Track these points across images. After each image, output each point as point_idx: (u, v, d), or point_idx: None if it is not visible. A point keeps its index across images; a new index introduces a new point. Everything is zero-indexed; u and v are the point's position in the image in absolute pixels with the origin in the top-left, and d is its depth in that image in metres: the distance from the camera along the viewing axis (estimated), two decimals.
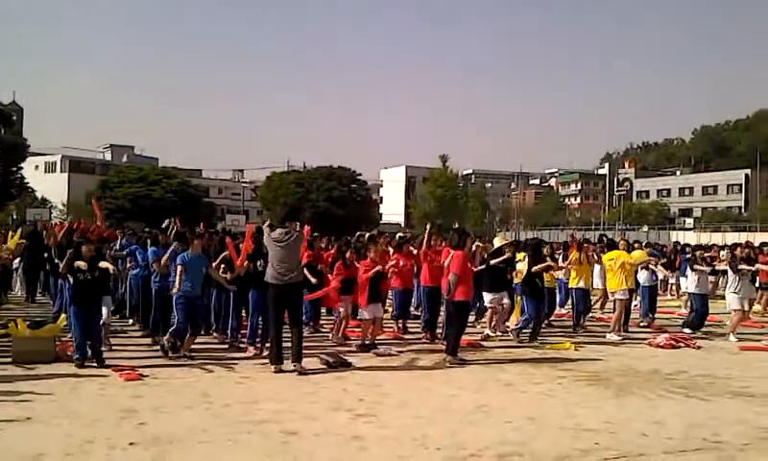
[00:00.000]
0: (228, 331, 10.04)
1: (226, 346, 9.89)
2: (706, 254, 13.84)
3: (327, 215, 51.83)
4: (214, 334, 10.40)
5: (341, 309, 10.35)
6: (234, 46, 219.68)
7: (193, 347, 9.02)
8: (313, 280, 10.69)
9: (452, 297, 9.09)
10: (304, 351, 8.40)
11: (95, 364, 8.24)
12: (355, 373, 8.24)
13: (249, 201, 72.79)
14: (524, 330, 10.99)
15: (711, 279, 13.15)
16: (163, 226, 11.03)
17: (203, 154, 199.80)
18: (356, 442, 5.56)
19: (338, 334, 10.31)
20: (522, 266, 11.61)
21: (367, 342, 9.71)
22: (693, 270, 12.34)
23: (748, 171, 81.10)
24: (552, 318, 12.80)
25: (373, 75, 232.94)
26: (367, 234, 14.32)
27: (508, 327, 11.40)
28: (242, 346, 9.63)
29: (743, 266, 11.84)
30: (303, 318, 11.15)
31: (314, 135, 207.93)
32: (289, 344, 8.26)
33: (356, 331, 10.51)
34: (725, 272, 13.14)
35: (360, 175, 62.53)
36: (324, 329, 11.36)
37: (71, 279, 8.40)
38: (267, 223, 9.08)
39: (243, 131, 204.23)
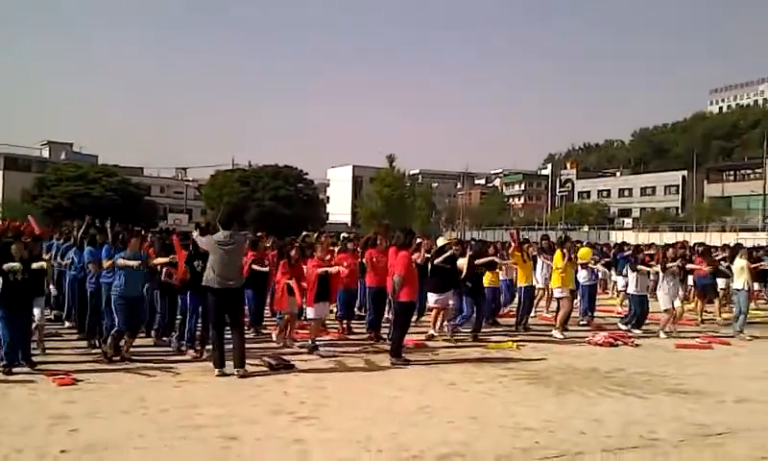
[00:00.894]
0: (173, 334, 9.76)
1: (169, 349, 9.62)
2: (646, 253, 14.20)
3: (273, 214, 51.38)
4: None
5: (287, 311, 10.16)
6: (178, 41, 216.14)
7: (131, 350, 8.78)
8: (264, 268, 10.63)
9: (397, 297, 9.09)
10: (248, 354, 8.24)
11: (26, 369, 7.93)
12: (298, 375, 8.14)
13: (192, 200, 71.49)
14: (461, 329, 11.06)
15: (651, 278, 13.48)
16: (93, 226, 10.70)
17: (144, 151, 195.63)
18: (298, 445, 5.48)
19: (283, 336, 10.16)
20: (462, 262, 11.65)
21: (310, 343, 9.61)
22: (634, 271, 12.64)
23: (685, 172, 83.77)
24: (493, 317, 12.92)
25: (322, 75, 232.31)
26: (315, 234, 14.22)
27: None
28: (182, 349, 9.40)
29: (671, 265, 12.19)
30: (246, 320, 11.07)
31: (260, 134, 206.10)
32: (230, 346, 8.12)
33: (301, 333, 10.41)
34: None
35: (307, 174, 62.18)
36: (266, 331, 11.19)
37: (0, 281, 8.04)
38: (195, 232, 8.92)
39: (187, 129, 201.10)
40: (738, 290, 12.41)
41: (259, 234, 13.00)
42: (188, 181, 76.82)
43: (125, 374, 8.01)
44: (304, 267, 10.06)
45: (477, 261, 11.17)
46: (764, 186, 67.61)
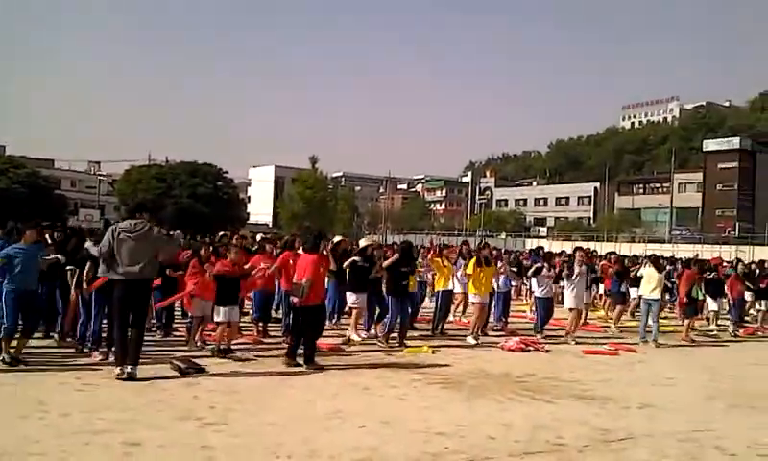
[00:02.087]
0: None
1: (71, 350, 9.19)
2: (557, 260, 14.63)
3: (191, 213, 50.17)
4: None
5: (197, 312, 9.88)
6: (93, 27, 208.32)
7: (30, 351, 8.34)
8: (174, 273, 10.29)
9: (305, 302, 8.93)
10: (156, 356, 7.97)
11: None
12: (209, 378, 7.91)
13: (105, 195, 68.83)
14: (392, 333, 11.07)
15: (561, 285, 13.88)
16: None
17: (55, 143, 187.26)
18: (204, 452, 5.31)
19: (194, 338, 9.87)
20: (385, 265, 11.66)
21: (223, 346, 9.36)
22: (534, 275, 13.02)
23: (597, 184, 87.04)
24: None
25: (247, 72, 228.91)
26: (237, 236, 13.96)
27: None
28: (86, 350, 8.99)
29: (577, 268, 12.61)
30: (155, 321, 10.72)
31: (178, 130, 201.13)
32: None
33: (213, 335, 10.14)
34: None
35: (227, 172, 61.10)
36: (177, 333, 10.85)
37: None
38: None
39: (101, 122, 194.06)
40: (654, 300, 12.86)
41: (172, 233, 12.58)
42: (101, 175, 73.96)
43: (23, 375, 7.60)
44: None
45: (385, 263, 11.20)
46: (671, 200, 71.09)
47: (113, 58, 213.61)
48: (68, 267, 9.21)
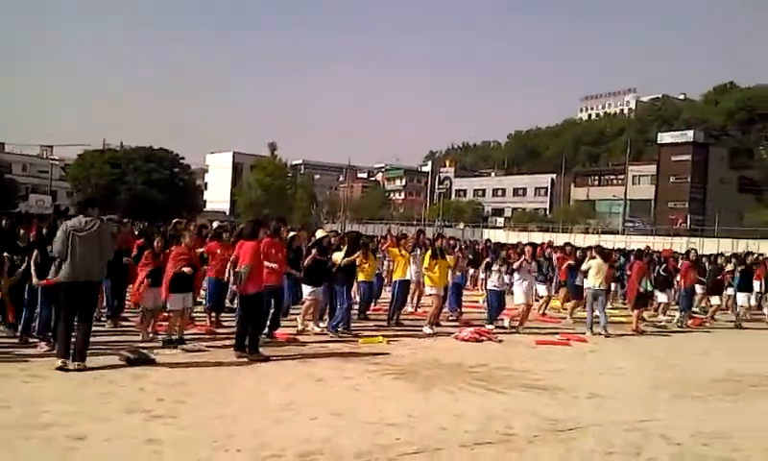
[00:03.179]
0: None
1: (14, 340, 8.93)
2: (510, 251, 14.76)
3: (145, 199, 49.37)
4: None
5: (149, 304, 9.65)
6: (40, 9, 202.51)
7: None
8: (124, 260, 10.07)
9: (244, 290, 8.80)
10: (105, 348, 7.79)
11: None
12: (158, 370, 7.77)
13: (57, 180, 67.16)
14: (343, 323, 11.04)
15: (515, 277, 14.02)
16: None
17: (4, 125, 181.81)
18: (150, 445, 5.22)
19: (145, 329, 9.67)
20: (338, 256, 11.62)
21: (174, 336, 9.20)
22: (488, 268, 13.16)
23: (554, 175, 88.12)
24: (368, 311, 13.01)
25: (205, 57, 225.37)
26: (194, 224, 13.71)
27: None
28: (32, 341, 8.75)
29: (517, 262, 12.80)
30: (105, 310, 10.50)
31: (134, 114, 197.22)
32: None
33: (164, 325, 9.97)
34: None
35: (183, 158, 60.23)
36: (127, 323, 10.62)
37: None
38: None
39: (54, 104, 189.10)
40: (601, 290, 13.10)
41: (125, 220, 12.34)
42: (54, 160, 72.11)
43: None
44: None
45: (346, 260, 11.15)
46: (625, 192, 72.39)
47: (68, 40, 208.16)
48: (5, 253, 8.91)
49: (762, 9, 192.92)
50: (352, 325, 11.38)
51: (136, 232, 14.08)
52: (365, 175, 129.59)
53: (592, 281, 13.09)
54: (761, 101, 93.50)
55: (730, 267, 17.09)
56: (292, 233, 12.12)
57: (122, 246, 10.53)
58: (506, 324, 12.67)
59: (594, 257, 13.61)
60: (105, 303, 10.56)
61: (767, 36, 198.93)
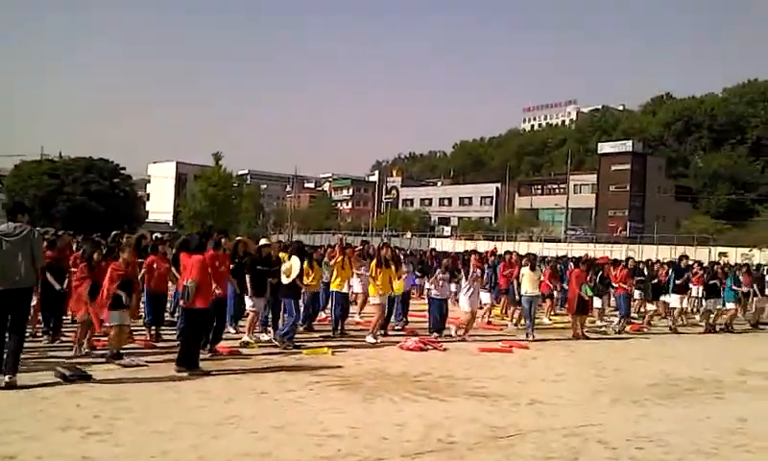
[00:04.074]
0: None
1: None
2: (455, 260, 14.94)
3: (85, 211, 48.07)
4: None
5: (83, 318, 9.38)
6: None
7: None
8: (57, 287, 9.72)
9: (191, 304, 8.63)
10: (39, 363, 7.52)
11: None
12: (95, 386, 7.56)
13: None
14: (288, 334, 10.95)
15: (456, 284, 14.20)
16: None
17: None
18: None
19: (80, 344, 9.39)
20: (286, 267, 11.54)
21: (113, 352, 8.96)
22: (432, 276, 13.31)
23: (498, 185, 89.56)
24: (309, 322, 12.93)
25: (150, 67, 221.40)
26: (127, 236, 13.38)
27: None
28: None
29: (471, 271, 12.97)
30: (41, 326, 10.18)
31: (74, 124, 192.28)
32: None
33: (103, 340, 9.71)
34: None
35: (124, 168, 58.88)
36: (65, 338, 10.30)
37: None
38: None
39: None
40: (534, 296, 13.53)
41: (61, 233, 11.99)
42: None
43: None
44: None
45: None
46: (567, 201, 74.06)
47: (2, 48, 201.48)
48: None
49: (698, 24, 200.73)
50: (298, 336, 11.29)
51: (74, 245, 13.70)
52: (312, 185, 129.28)
53: (526, 288, 13.38)
54: (696, 112, 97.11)
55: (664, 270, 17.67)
56: (238, 238, 12.00)
57: (60, 258, 10.24)
58: (452, 332, 12.78)
59: (526, 265, 13.98)
60: (41, 319, 10.24)
61: (702, 48, 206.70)
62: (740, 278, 17.64)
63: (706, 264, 21.16)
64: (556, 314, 17.31)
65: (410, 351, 11.07)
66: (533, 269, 13.78)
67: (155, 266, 10.69)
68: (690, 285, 17.11)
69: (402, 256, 15.71)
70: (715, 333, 16.41)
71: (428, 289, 16.89)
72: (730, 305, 17.00)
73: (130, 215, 55.00)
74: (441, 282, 12.99)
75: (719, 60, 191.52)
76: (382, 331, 12.46)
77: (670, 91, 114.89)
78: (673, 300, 16.56)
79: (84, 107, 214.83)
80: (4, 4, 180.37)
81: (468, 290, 12.83)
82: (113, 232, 14.51)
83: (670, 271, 17.16)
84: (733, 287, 16.92)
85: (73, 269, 10.11)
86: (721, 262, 29.92)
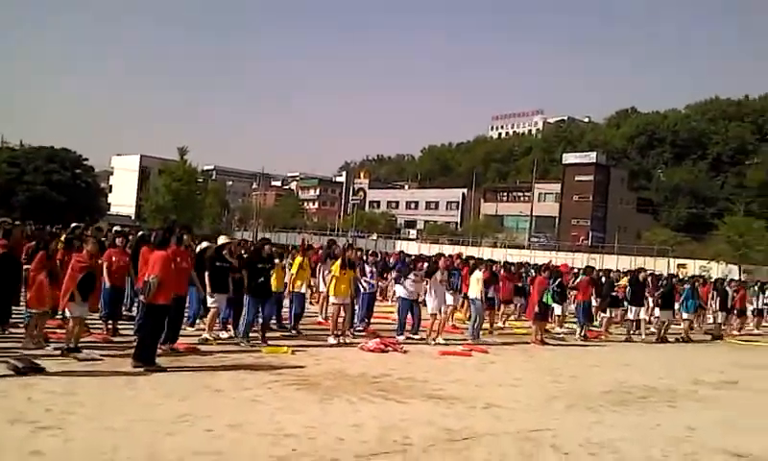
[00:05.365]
0: None
1: None
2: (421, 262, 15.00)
3: (45, 201, 47.16)
4: None
5: (38, 308, 9.18)
6: None
7: None
8: None
9: (153, 300, 8.52)
10: None
11: None
12: (48, 379, 7.43)
13: None
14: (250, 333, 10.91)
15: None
16: None
17: None
18: (34, 457, 5.01)
19: (32, 335, 9.19)
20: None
21: (70, 345, 8.81)
22: (406, 277, 13.33)
23: (465, 190, 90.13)
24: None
25: (115, 56, 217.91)
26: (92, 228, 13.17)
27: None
28: None
29: (438, 274, 13.08)
30: None
31: (37, 111, 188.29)
32: None
33: (58, 333, 9.54)
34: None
35: (87, 160, 57.91)
36: (16, 330, 10.05)
37: None
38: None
39: None
40: (473, 300, 13.74)
41: (16, 223, 11.74)
42: None
43: None
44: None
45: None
46: (531, 209, 74.90)
47: None
48: None
49: (662, 39, 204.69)
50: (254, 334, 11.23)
51: (27, 235, 13.44)
52: (279, 183, 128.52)
53: (474, 292, 13.64)
54: (660, 126, 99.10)
55: (624, 281, 18.00)
56: (205, 245, 11.87)
57: (14, 247, 10.02)
58: (428, 339, 12.82)
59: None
60: None
61: (665, 64, 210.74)
62: (698, 289, 18.07)
63: (665, 275, 21.61)
64: (518, 319, 17.53)
65: (371, 353, 11.09)
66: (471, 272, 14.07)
67: (113, 259, 10.52)
68: (647, 296, 17.43)
69: (365, 258, 15.66)
70: (668, 343, 16.73)
71: (393, 291, 17.01)
72: (686, 316, 17.42)
73: (91, 207, 54.17)
74: (411, 283, 13.06)
75: (683, 77, 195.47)
76: (347, 332, 12.38)
77: (635, 105, 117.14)
78: (632, 312, 16.90)
79: (47, 94, 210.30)
80: None
81: (434, 291, 12.91)
82: (73, 224, 14.28)
83: (627, 285, 17.49)
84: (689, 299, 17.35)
85: (24, 261, 9.92)
86: (680, 274, 30.65)
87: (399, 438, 6.25)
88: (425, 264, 13.97)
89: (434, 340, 12.73)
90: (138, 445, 5.46)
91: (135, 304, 11.06)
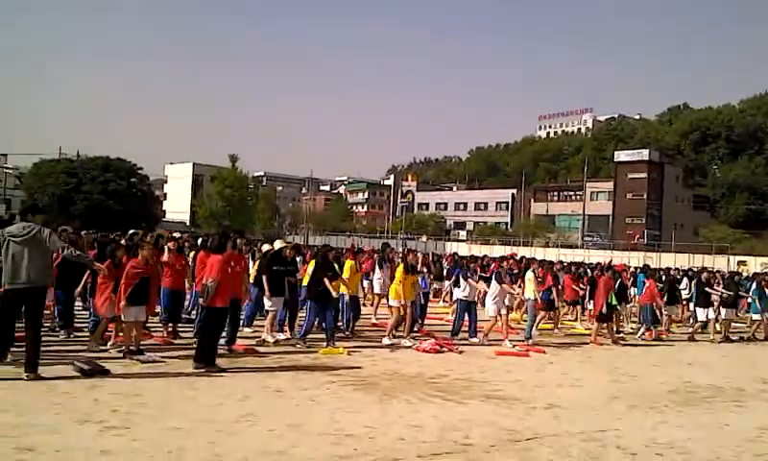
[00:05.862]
0: None
1: None
2: (477, 264, 14.88)
3: (103, 209, 48.50)
4: None
5: (108, 313, 9.42)
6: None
7: None
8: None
9: (211, 303, 8.68)
10: (59, 358, 7.55)
11: None
12: (112, 381, 7.60)
13: (12, 189, 65.54)
14: (308, 335, 10.97)
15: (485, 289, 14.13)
16: None
17: None
18: (103, 457, 5.10)
19: (97, 339, 9.44)
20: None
21: (131, 348, 9.02)
22: (465, 279, 13.20)
23: (514, 191, 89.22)
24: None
25: (164, 68, 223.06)
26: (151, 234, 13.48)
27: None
28: None
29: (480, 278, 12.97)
30: (58, 321, 10.26)
31: (93, 123, 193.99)
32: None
33: (120, 336, 9.75)
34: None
35: (141, 168, 59.36)
36: (81, 334, 10.35)
37: None
38: None
39: (8, 111, 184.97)
40: (527, 299, 13.57)
41: (82, 232, 12.08)
42: (8, 168, 70.36)
43: None
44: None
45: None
46: (584, 208, 73.60)
47: (21, 46, 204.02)
48: None
49: (714, 35, 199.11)
50: (312, 337, 11.30)
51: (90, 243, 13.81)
52: (327, 187, 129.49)
53: (529, 292, 13.49)
54: (714, 122, 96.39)
55: (685, 282, 17.51)
56: (279, 243, 12.04)
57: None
58: (479, 339, 12.71)
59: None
60: (56, 314, 10.33)
61: (719, 60, 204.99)
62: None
63: (726, 274, 20.92)
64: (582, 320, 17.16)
65: (426, 353, 11.02)
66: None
67: (172, 264, 10.73)
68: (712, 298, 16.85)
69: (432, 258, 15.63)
70: (732, 342, 16.19)
71: (447, 292, 16.87)
72: (756, 317, 16.79)
73: (146, 214, 55.46)
74: (468, 285, 12.96)
75: (736, 72, 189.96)
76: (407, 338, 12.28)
77: (687, 101, 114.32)
78: (700, 314, 16.37)
79: (101, 106, 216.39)
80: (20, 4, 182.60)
81: (494, 294, 12.73)
82: (131, 231, 14.59)
83: (692, 284, 16.97)
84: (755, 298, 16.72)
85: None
86: (742, 272, 29.64)
87: (460, 438, 6.18)
88: (478, 268, 13.87)
89: (510, 341, 12.57)
90: (203, 444, 5.52)
91: (196, 308, 11.26)
